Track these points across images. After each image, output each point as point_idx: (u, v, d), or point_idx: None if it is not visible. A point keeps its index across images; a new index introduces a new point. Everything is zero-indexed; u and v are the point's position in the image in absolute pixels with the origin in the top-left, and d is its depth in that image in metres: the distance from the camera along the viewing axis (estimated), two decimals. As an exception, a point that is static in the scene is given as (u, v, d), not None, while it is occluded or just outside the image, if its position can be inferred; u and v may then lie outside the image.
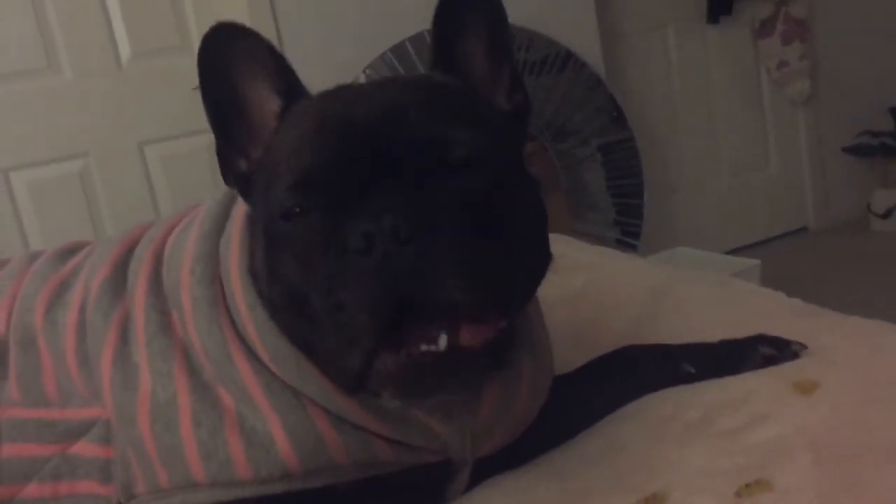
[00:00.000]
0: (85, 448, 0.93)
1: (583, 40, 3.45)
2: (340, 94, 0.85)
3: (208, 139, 3.34)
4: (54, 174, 3.00)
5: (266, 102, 0.88)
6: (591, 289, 1.29)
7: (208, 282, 0.91)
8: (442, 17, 0.87)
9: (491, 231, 0.77)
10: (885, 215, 3.89)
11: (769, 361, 0.95)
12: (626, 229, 3.55)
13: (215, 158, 2.99)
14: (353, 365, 0.75)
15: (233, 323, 0.89)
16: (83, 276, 1.01)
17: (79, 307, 0.98)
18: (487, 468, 0.94)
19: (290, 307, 0.82)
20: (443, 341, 0.73)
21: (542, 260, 0.87)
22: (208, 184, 3.15)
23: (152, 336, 0.91)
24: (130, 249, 1.01)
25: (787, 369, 0.91)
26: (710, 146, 3.97)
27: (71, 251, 1.09)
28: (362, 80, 3.21)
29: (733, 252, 3.62)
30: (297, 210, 0.78)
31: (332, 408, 0.85)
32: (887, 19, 4.00)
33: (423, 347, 0.73)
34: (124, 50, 3.03)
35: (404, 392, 0.78)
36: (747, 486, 0.73)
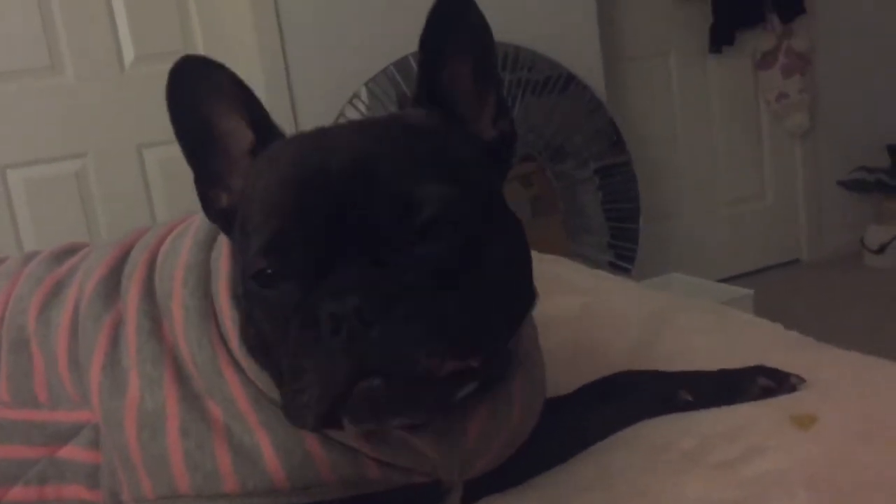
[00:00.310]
0: (73, 452, 0.92)
1: (585, 63, 3.46)
2: (312, 144, 0.83)
3: (208, 145, 3.20)
4: (52, 173, 2.99)
5: (239, 135, 0.87)
6: (588, 313, 1.28)
7: (200, 293, 0.90)
8: (428, 40, 0.85)
9: (465, 288, 0.76)
10: (879, 251, 3.90)
11: (767, 393, 0.94)
12: (620, 253, 3.55)
13: None
14: (308, 423, 0.76)
15: (221, 336, 0.88)
16: (78, 277, 1.00)
17: (73, 308, 0.97)
18: (478, 490, 0.94)
19: (260, 348, 0.82)
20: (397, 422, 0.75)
21: (522, 302, 0.87)
22: (205, 190, 3.15)
23: (143, 342, 0.90)
24: (126, 253, 1.01)
25: (785, 402, 0.91)
26: (707, 174, 3.98)
27: (67, 252, 1.08)
28: (363, 94, 3.21)
29: (726, 280, 3.62)
30: (268, 272, 0.77)
31: None
32: (888, 57, 4.02)
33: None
34: (128, 53, 3.03)
35: (357, 419, 0.75)
36: (744, 519, 0.72)
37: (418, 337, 0.70)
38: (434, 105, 0.87)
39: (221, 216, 0.88)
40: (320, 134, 0.85)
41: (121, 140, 3.06)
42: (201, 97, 0.84)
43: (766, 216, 4.10)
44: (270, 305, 0.78)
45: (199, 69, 0.84)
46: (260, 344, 0.82)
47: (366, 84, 3.22)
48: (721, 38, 3.80)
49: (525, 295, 0.86)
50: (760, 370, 0.97)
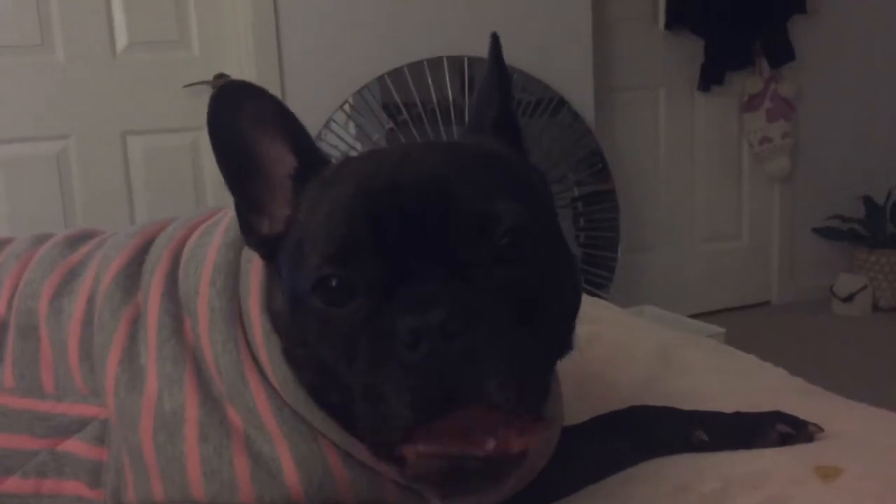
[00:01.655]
0: (76, 446, 0.89)
1: (577, 91, 3.49)
2: (377, 159, 0.81)
3: (193, 137, 3.35)
4: (32, 153, 2.94)
5: (281, 161, 0.84)
6: (597, 342, 1.27)
7: (228, 295, 0.88)
8: (494, 76, 0.88)
9: (533, 313, 0.74)
10: (848, 299, 3.97)
11: (785, 440, 0.94)
12: (593, 280, 3.57)
13: (198, 157, 3.02)
14: (387, 446, 0.72)
15: (248, 342, 0.85)
16: (94, 266, 0.97)
17: (87, 299, 0.94)
18: (490, 514, 0.92)
19: (312, 370, 0.79)
20: (490, 445, 0.70)
21: (572, 331, 0.84)
22: (188, 182, 3.10)
23: (165, 340, 0.88)
24: (146, 245, 0.98)
25: (806, 451, 0.90)
26: (686, 210, 4.03)
27: (81, 238, 1.05)
28: (352, 100, 3.20)
29: (697, 316, 3.65)
30: (333, 284, 0.74)
31: (342, 445, 0.82)
32: (870, 110, 4.11)
33: (470, 450, 0.70)
34: (121, 38, 2.99)
35: (446, 494, 0.75)
36: (774, 568, 0.72)
37: (500, 356, 0.68)
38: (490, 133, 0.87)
39: (264, 244, 0.84)
40: (380, 155, 0.83)
41: (106, 125, 3.02)
42: (244, 124, 0.81)
43: (740, 256, 4.15)
44: (334, 324, 0.74)
45: (241, 95, 0.80)
46: (312, 364, 0.79)
47: (358, 91, 3.21)
48: (711, 77, 3.86)
49: (573, 324, 0.84)
50: (778, 416, 0.97)
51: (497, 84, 0.89)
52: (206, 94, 3.10)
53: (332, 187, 0.79)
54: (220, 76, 3.06)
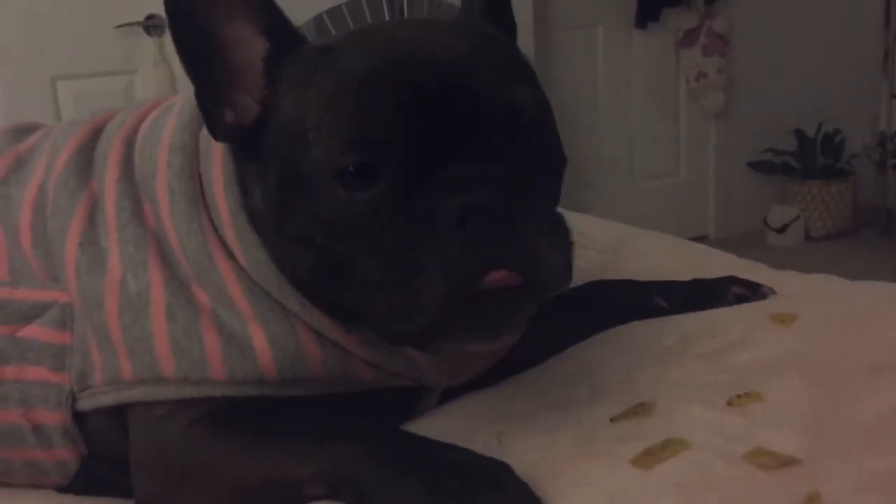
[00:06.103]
0: (37, 332, 0.87)
1: (517, 29, 3.48)
2: (382, 35, 0.77)
3: (126, 81, 3.24)
4: (-43, 97, 2.84)
5: (248, 43, 0.79)
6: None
7: (188, 177, 0.86)
8: None
9: (551, 197, 0.79)
10: (781, 230, 4.08)
11: (741, 301, 0.97)
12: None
13: (132, 103, 2.88)
14: (417, 329, 0.71)
15: (212, 222, 0.84)
16: (44, 155, 0.95)
17: (38, 186, 0.92)
18: (458, 387, 0.93)
19: (308, 265, 0.78)
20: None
21: None
22: (123, 127, 3.03)
23: (125, 224, 0.86)
24: (96, 132, 0.96)
25: (762, 305, 0.94)
26: (625, 147, 4.08)
27: (25, 130, 1.03)
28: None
29: (639, 251, 3.71)
30: (358, 169, 0.71)
31: (314, 325, 0.82)
32: (801, 45, 4.19)
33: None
34: (46, -25, 2.88)
35: (477, 336, 0.74)
36: (738, 396, 0.74)
37: (541, 233, 0.70)
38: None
39: (232, 134, 0.81)
40: (380, 29, 0.79)
41: (35, 69, 2.92)
42: (208, 4, 0.76)
43: (678, 192, 4.22)
44: (356, 209, 0.72)
45: None
46: (315, 262, 0.77)
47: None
48: (647, 13, 3.89)
49: None
50: (733, 279, 1.00)
51: None
52: (139, 37, 3.03)
53: (330, 66, 0.75)
54: (151, 17, 3.00)
